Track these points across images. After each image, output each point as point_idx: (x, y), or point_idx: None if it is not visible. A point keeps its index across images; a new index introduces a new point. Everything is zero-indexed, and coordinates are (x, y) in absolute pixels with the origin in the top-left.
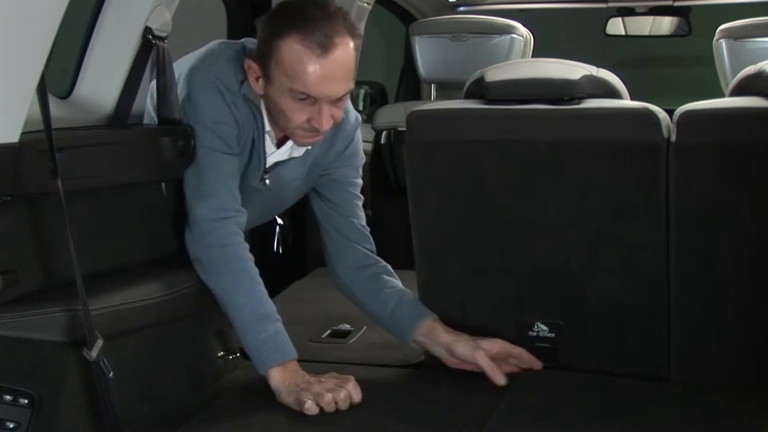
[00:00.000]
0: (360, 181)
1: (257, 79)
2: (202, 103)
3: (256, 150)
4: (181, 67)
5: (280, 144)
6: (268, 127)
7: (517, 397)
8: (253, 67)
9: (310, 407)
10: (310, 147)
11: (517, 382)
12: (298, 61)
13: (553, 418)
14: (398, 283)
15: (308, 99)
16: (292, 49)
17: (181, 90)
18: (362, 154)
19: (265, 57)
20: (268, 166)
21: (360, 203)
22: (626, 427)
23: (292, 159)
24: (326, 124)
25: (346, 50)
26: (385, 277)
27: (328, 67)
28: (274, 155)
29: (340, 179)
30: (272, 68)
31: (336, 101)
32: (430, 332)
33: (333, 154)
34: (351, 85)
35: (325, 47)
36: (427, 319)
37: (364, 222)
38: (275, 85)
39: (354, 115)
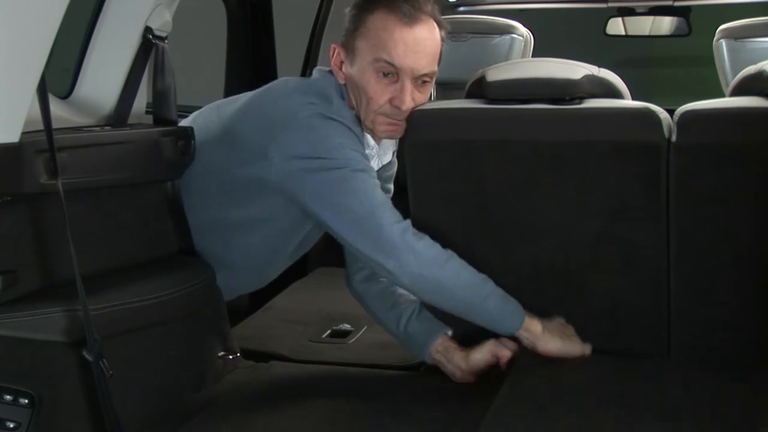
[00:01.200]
0: (390, 189)
1: (341, 65)
2: (332, 138)
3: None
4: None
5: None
6: (371, 141)
7: (514, 387)
8: (338, 52)
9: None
10: (394, 150)
11: (514, 372)
12: (384, 29)
13: (551, 407)
14: (411, 295)
15: (391, 75)
16: (379, 18)
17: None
18: (396, 162)
19: (351, 35)
20: None
21: None
22: (627, 411)
23: (380, 169)
24: (409, 103)
25: (431, 29)
26: (398, 289)
27: (413, 38)
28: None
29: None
30: (358, 43)
31: (419, 82)
32: (446, 351)
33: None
34: (435, 68)
35: (411, 18)
36: (440, 336)
37: None
38: (360, 60)
39: None
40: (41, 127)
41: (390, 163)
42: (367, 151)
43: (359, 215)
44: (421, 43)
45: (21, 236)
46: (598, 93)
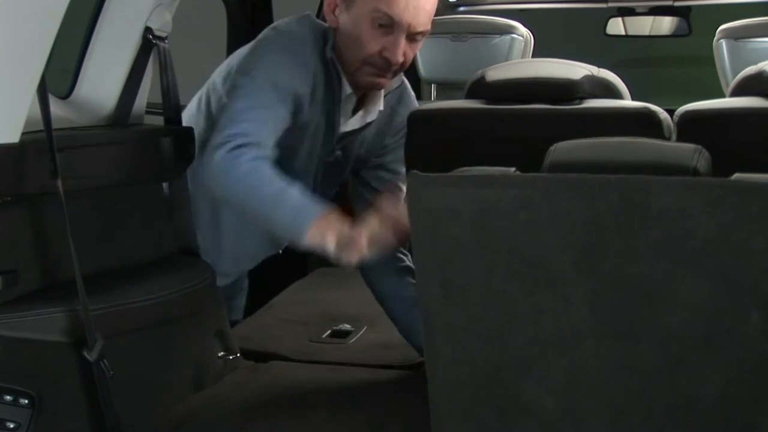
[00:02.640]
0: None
1: (334, 8)
2: (266, 61)
3: (328, 117)
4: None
5: (354, 113)
6: (348, 89)
7: None
8: None
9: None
10: (381, 108)
11: None
12: None
13: None
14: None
15: (387, 27)
16: None
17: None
18: (415, 103)
19: None
20: (340, 135)
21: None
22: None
23: (363, 128)
24: (400, 56)
25: None
26: (409, 279)
27: None
28: (348, 124)
29: (392, 168)
30: None
31: (412, 38)
32: None
33: (394, 128)
34: (429, 27)
35: None
36: None
37: None
38: (357, 7)
39: (413, 94)
40: (41, 127)
41: (382, 127)
42: (342, 104)
43: (220, 122)
44: (423, 3)
45: (21, 236)
46: (598, 93)
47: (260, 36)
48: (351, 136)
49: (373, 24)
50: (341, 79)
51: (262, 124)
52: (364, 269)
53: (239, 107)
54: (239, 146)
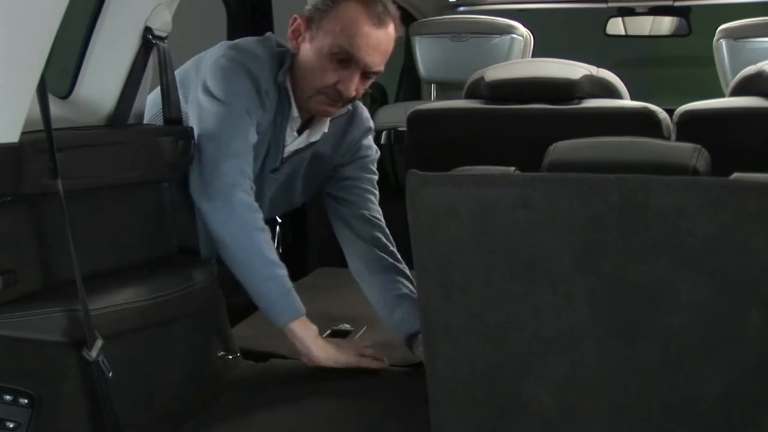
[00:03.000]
0: (375, 176)
1: (298, 36)
2: (235, 86)
3: (276, 137)
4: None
5: (300, 132)
6: (296, 113)
7: None
8: (299, 23)
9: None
10: (325, 130)
11: None
12: (354, 21)
13: None
14: (405, 282)
15: (344, 62)
16: (352, 10)
17: (206, 67)
18: (375, 148)
19: (319, 14)
20: (286, 155)
21: (374, 197)
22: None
23: (308, 147)
24: (353, 91)
25: (392, 31)
26: (393, 277)
27: (376, 38)
28: (293, 143)
29: (352, 176)
30: (324, 23)
31: (366, 75)
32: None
33: (345, 148)
34: (383, 67)
35: (380, 20)
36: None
37: (377, 215)
38: (320, 39)
39: (367, 115)
40: (41, 127)
41: (361, 152)
42: (289, 124)
43: (208, 155)
44: (382, 44)
45: (21, 236)
46: (598, 93)
47: (223, 54)
48: (297, 155)
49: (332, 58)
50: (291, 102)
51: (247, 157)
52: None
53: (225, 138)
54: (236, 185)
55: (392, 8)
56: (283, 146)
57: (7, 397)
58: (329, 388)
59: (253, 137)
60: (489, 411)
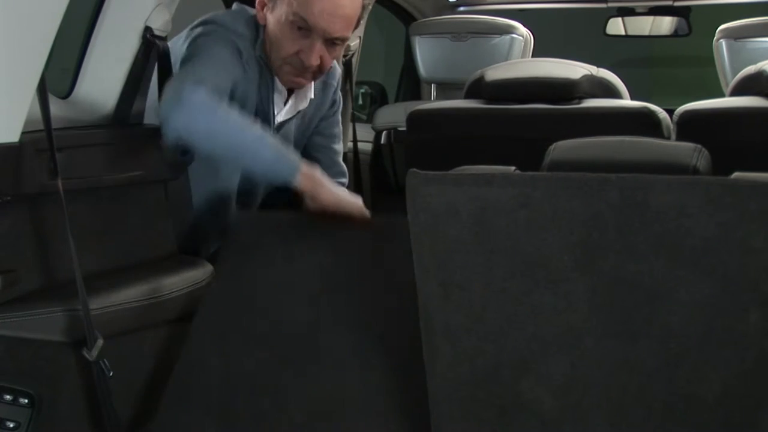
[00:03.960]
0: (339, 119)
1: (263, 6)
2: (215, 51)
3: (263, 111)
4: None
5: (285, 103)
6: (279, 84)
7: None
8: None
9: None
10: (312, 96)
11: None
12: None
13: None
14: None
15: (304, 30)
16: None
17: (186, 38)
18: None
19: None
20: (276, 126)
21: (338, 151)
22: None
23: (296, 114)
24: (314, 60)
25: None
26: None
27: (334, 2)
28: (282, 113)
29: (324, 133)
30: None
31: (330, 43)
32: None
33: (329, 99)
34: (348, 33)
35: None
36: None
37: (341, 169)
38: (278, 9)
39: (335, 65)
40: (41, 127)
41: (318, 104)
42: (275, 95)
43: (178, 78)
44: (340, 8)
45: (21, 236)
46: (597, 93)
47: (199, 27)
48: (287, 124)
49: (291, 26)
50: (272, 74)
51: (224, 75)
52: None
53: (202, 56)
54: (210, 93)
55: None
56: (274, 118)
57: (7, 397)
58: None
59: (228, 82)
60: (489, 411)
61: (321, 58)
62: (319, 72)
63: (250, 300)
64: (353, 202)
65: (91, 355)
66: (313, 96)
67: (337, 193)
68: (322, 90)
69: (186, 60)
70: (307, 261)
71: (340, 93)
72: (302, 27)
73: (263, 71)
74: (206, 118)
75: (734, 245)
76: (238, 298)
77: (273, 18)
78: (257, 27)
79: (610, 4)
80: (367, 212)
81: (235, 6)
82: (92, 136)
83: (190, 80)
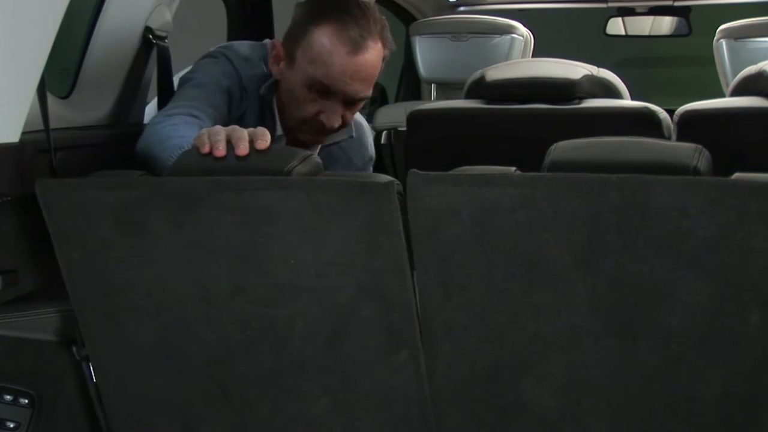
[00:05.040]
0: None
1: (279, 61)
2: (213, 71)
3: None
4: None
5: None
6: (279, 131)
7: None
8: (278, 48)
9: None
10: (325, 142)
11: None
12: (327, 52)
13: None
14: None
15: (324, 93)
16: (325, 38)
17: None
18: (371, 151)
19: (295, 40)
20: None
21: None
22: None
23: None
24: (335, 122)
25: (375, 54)
26: None
27: (355, 67)
28: None
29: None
30: (299, 52)
31: (351, 103)
32: None
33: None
34: (370, 92)
35: (357, 45)
36: None
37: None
38: (297, 69)
39: (370, 141)
40: (41, 127)
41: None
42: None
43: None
44: (361, 71)
45: (21, 236)
46: (598, 93)
47: (212, 51)
48: None
49: (309, 89)
50: (275, 120)
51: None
52: None
53: (187, 94)
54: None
55: (373, 26)
56: None
57: (7, 397)
58: None
59: (210, 108)
60: (489, 411)
61: (342, 117)
62: (342, 128)
63: None
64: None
65: (80, 354)
66: (325, 142)
67: None
68: (346, 161)
69: (182, 81)
70: None
71: (370, 148)
72: (321, 90)
73: (264, 112)
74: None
75: (735, 246)
76: None
77: (291, 76)
78: (265, 63)
79: (610, 4)
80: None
81: (266, 41)
82: (92, 136)
83: (169, 107)
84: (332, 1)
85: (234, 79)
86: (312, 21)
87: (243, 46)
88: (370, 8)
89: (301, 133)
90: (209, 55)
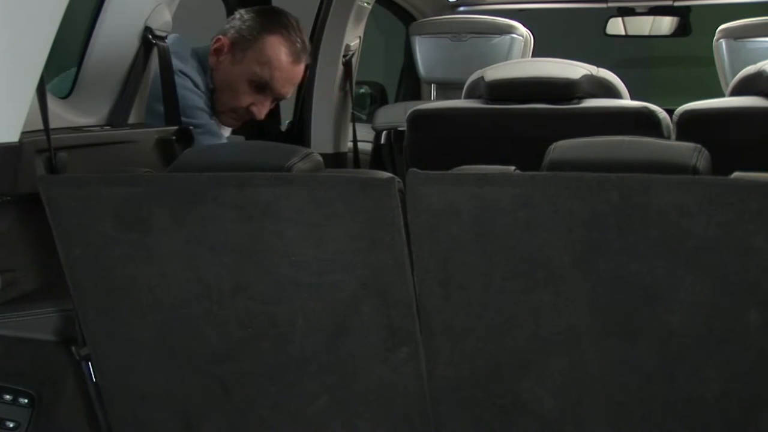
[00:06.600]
0: None
1: (220, 54)
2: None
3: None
4: None
5: None
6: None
7: None
8: (223, 43)
9: None
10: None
11: None
12: (275, 57)
13: None
14: None
15: (261, 89)
16: (275, 44)
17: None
18: None
19: (244, 42)
20: None
21: None
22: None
23: None
24: (263, 114)
25: (304, 64)
26: None
27: (294, 73)
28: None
29: None
30: (248, 52)
31: (277, 100)
32: None
33: None
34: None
35: (298, 57)
36: None
37: None
38: (243, 66)
39: None
40: (41, 127)
41: None
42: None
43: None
44: (296, 77)
45: (20, 236)
46: (597, 93)
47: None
48: None
49: (250, 84)
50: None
51: None
52: None
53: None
54: None
55: (306, 41)
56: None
57: (7, 397)
58: None
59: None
60: (489, 411)
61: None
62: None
63: None
64: None
65: (80, 353)
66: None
67: None
68: None
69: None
70: None
71: None
72: (260, 86)
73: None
74: None
75: (734, 245)
76: None
77: (233, 70)
78: (205, 64)
79: (610, 4)
80: None
81: (174, 38)
82: (92, 136)
83: None
84: (280, 16)
85: (198, 92)
86: (265, 30)
87: (175, 55)
88: (301, 25)
89: (226, 117)
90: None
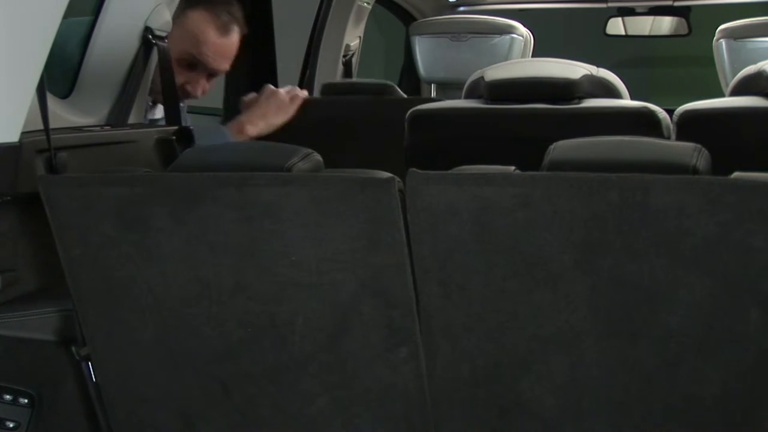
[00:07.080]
0: None
1: None
2: None
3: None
4: None
5: None
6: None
7: None
8: None
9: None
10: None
11: None
12: (201, 31)
13: None
14: None
15: (192, 66)
16: (199, 17)
17: None
18: None
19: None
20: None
21: None
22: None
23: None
24: (198, 92)
25: (236, 37)
26: None
27: (223, 45)
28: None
29: None
30: (174, 30)
31: (212, 76)
32: None
33: None
34: (228, 67)
35: (226, 28)
36: None
37: None
38: (170, 43)
39: None
40: (41, 127)
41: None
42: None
43: None
44: (229, 50)
45: (20, 236)
46: (597, 93)
47: None
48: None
49: (180, 62)
50: None
51: None
52: None
53: None
54: None
55: (237, 12)
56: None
57: (7, 397)
58: None
59: None
60: (489, 411)
61: (203, 89)
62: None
63: None
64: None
65: (80, 353)
66: None
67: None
68: None
69: None
70: None
71: None
72: (191, 64)
73: None
74: None
75: (734, 245)
76: None
77: None
78: None
79: (610, 4)
80: (300, 93)
81: None
82: (92, 136)
83: None
84: None
85: None
86: (187, 6)
87: None
88: None
89: (161, 96)
90: None
